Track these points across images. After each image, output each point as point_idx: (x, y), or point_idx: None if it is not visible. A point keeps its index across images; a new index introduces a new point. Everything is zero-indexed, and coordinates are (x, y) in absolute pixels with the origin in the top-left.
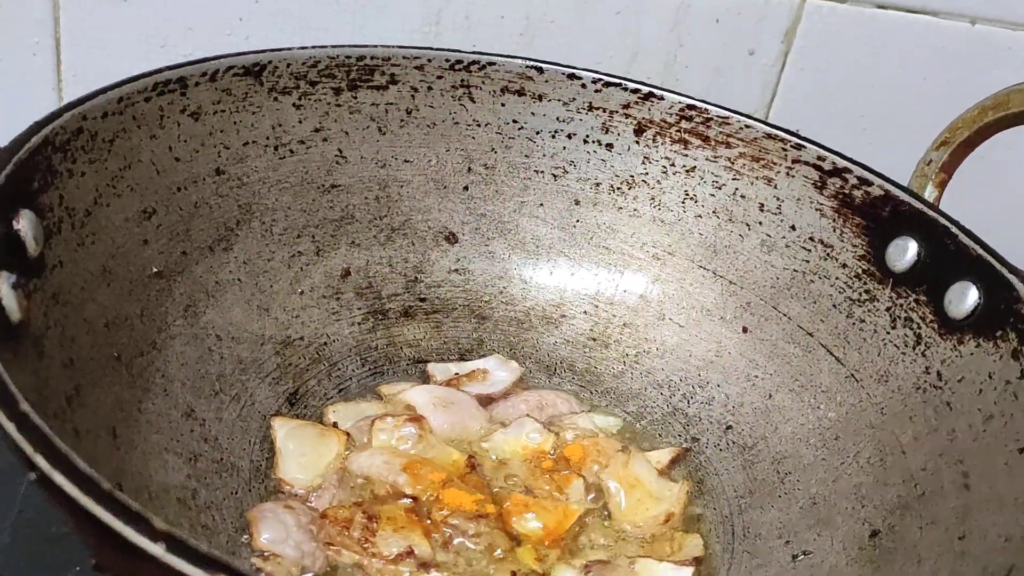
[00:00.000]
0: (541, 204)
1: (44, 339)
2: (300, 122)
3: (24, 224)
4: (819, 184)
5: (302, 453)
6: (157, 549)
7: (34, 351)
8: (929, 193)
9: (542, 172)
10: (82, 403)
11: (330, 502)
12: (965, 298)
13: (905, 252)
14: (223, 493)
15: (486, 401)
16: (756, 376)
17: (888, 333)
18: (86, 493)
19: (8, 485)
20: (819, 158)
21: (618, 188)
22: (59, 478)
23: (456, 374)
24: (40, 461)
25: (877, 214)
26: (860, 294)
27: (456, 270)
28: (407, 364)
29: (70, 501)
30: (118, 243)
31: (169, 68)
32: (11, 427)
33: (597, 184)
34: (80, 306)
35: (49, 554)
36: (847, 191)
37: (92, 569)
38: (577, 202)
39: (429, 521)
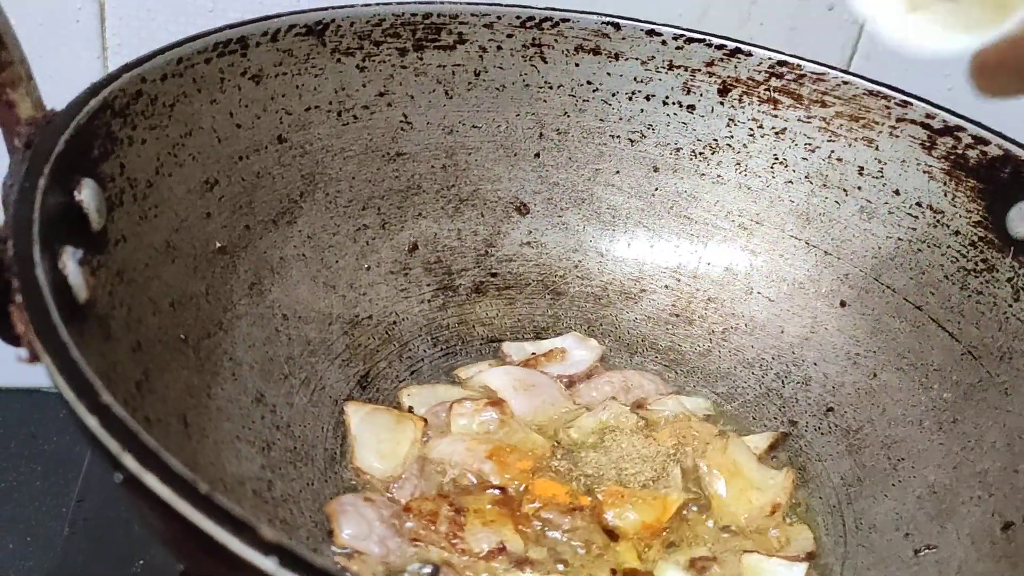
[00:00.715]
0: (617, 171)
1: (110, 320)
2: (364, 85)
3: (86, 194)
4: (927, 144)
5: (379, 440)
6: (269, 564)
7: (101, 333)
8: None
9: (618, 137)
10: (151, 389)
11: (412, 493)
12: None
13: None
14: (299, 484)
15: (567, 383)
16: (858, 354)
17: (1011, 306)
18: (183, 497)
19: (65, 473)
20: (928, 116)
21: (700, 153)
22: (151, 480)
23: (533, 353)
24: (128, 461)
25: (995, 176)
26: (976, 264)
27: (528, 243)
28: (480, 343)
29: (163, 506)
30: (181, 216)
31: (229, 27)
32: (94, 422)
33: (678, 149)
34: (145, 284)
35: (110, 547)
36: (960, 151)
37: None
38: (656, 169)
39: (519, 514)
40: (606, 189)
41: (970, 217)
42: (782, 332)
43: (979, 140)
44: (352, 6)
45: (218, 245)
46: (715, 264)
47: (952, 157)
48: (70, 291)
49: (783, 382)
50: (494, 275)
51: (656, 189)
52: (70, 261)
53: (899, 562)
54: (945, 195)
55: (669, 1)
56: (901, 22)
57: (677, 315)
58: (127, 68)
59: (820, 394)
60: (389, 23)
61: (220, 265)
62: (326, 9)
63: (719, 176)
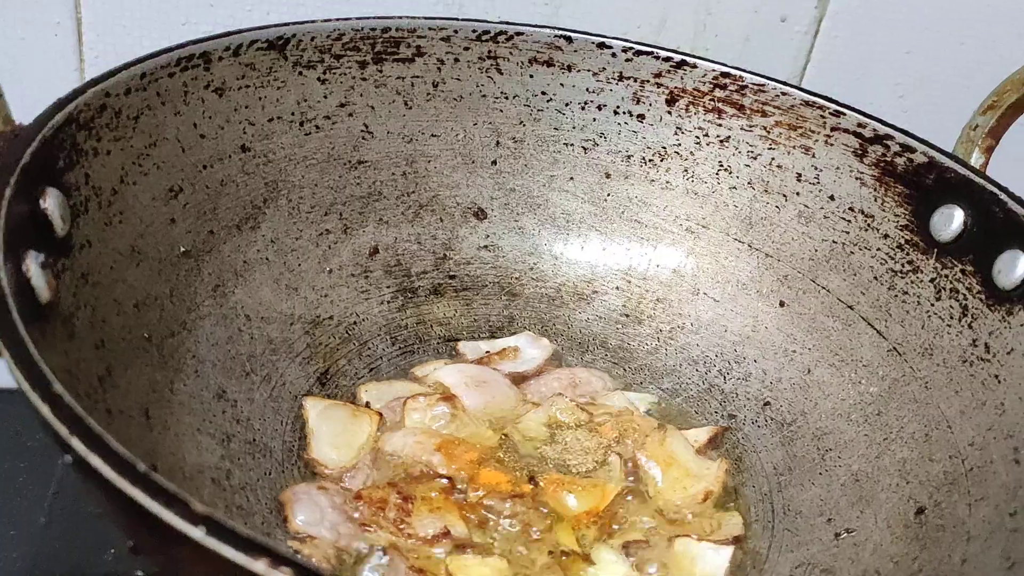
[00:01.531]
0: (571, 178)
1: (74, 320)
2: (325, 97)
3: (50, 202)
4: (859, 152)
5: (335, 433)
6: (197, 532)
7: (64, 332)
8: (976, 159)
9: (572, 145)
10: (114, 384)
11: (364, 483)
12: (1015, 267)
13: (951, 221)
14: (256, 474)
15: (518, 379)
16: (794, 351)
17: (932, 305)
18: (122, 475)
19: (43, 467)
20: (859, 125)
21: (650, 160)
22: (95, 460)
23: (487, 352)
24: (76, 443)
25: (921, 182)
26: (903, 265)
27: (485, 246)
28: (437, 343)
29: (106, 484)
30: (146, 222)
31: (192, 43)
32: (45, 409)
33: (628, 156)
34: (110, 286)
35: (85, 536)
36: (889, 159)
37: (129, 552)
38: (608, 175)
39: (464, 501)
40: (560, 195)
41: (897, 221)
42: (725, 331)
43: (906, 148)
44: (313, 22)
45: (182, 249)
46: (664, 266)
47: (882, 164)
48: (32, 292)
49: (725, 378)
50: (452, 277)
51: (608, 195)
52: (33, 264)
53: (820, 544)
54: (875, 200)
55: (628, 13)
56: None
57: (627, 315)
58: (92, 83)
59: (758, 389)
60: (349, 37)
61: (184, 268)
62: (287, 25)
63: (668, 182)
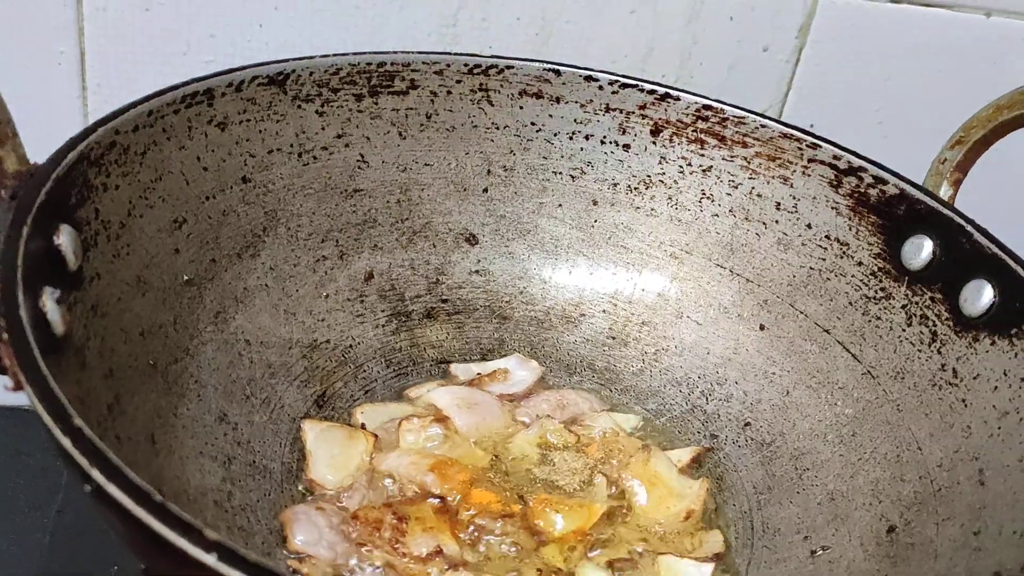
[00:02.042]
0: (559, 205)
1: (85, 350)
2: (323, 129)
3: (64, 239)
4: (835, 183)
5: (332, 454)
6: (209, 558)
7: (76, 362)
8: (944, 191)
9: (560, 173)
10: (122, 411)
11: (360, 502)
12: (980, 296)
13: (920, 250)
14: (257, 495)
15: (508, 401)
16: (773, 373)
17: (904, 330)
18: (140, 504)
19: (43, 484)
20: (835, 157)
21: (635, 188)
22: (114, 490)
23: (478, 374)
24: (96, 475)
25: (892, 212)
26: (876, 292)
27: (477, 271)
28: (430, 365)
29: (124, 512)
30: (151, 253)
31: (196, 80)
32: (67, 442)
33: (615, 184)
34: (117, 316)
35: (87, 554)
36: (863, 190)
37: (141, 574)
38: (595, 202)
39: (456, 520)
40: (549, 221)
41: (871, 249)
42: (708, 353)
43: (879, 180)
44: (311, 57)
45: (186, 278)
46: (649, 290)
47: (856, 195)
48: (49, 327)
49: (707, 399)
50: (444, 301)
51: (595, 221)
52: (49, 300)
53: (797, 562)
54: (850, 229)
55: (615, 42)
56: None
57: (613, 338)
58: (102, 122)
59: (739, 410)
60: (346, 72)
61: (187, 296)
62: (287, 60)
63: (652, 209)
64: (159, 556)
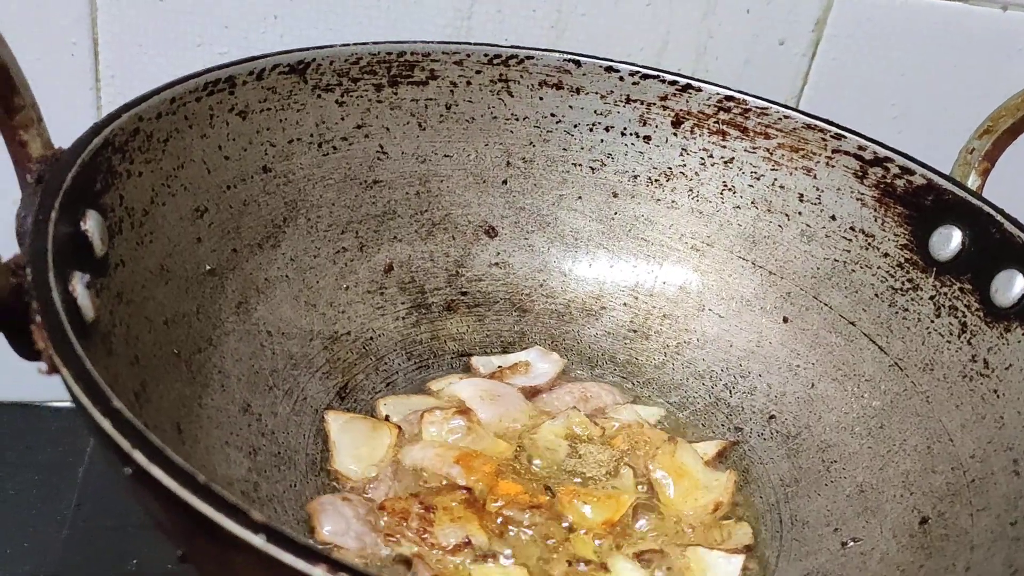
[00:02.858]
0: (579, 197)
1: (112, 337)
2: (343, 119)
3: (91, 224)
4: (860, 174)
5: (356, 446)
6: (257, 540)
7: (103, 349)
8: (972, 182)
9: (580, 165)
10: (148, 399)
11: (386, 494)
12: (1012, 286)
13: (949, 241)
14: (283, 486)
15: (531, 393)
16: (798, 366)
17: (932, 322)
18: (184, 486)
19: (56, 480)
20: (860, 148)
21: (656, 180)
22: (157, 472)
23: (499, 367)
24: (138, 456)
25: (920, 203)
26: (903, 283)
27: (496, 263)
28: (451, 358)
29: (167, 494)
30: (174, 241)
31: (218, 68)
32: (106, 423)
33: (635, 176)
34: (142, 304)
35: (107, 546)
36: (889, 180)
37: (178, 560)
38: (615, 194)
39: (484, 512)
40: (569, 213)
41: (897, 240)
42: (731, 346)
43: (905, 170)
44: (332, 46)
45: (208, 267)
46: (670, 283)
47: (882, 186)
48: (79, 312)
49: (730, 392)
50: (464, 294)
51: (615, 213)
52: (79, 285)
53: (828, 554)
54: (875, 220)
55: (631, 36)
56: None
57: (635, 331)
58: (126, 108)
59: (764, 403)
60: (366, 61)
61: (210, 286)
62: (307, 49)
63: (673, 201)
64: (203, 539)
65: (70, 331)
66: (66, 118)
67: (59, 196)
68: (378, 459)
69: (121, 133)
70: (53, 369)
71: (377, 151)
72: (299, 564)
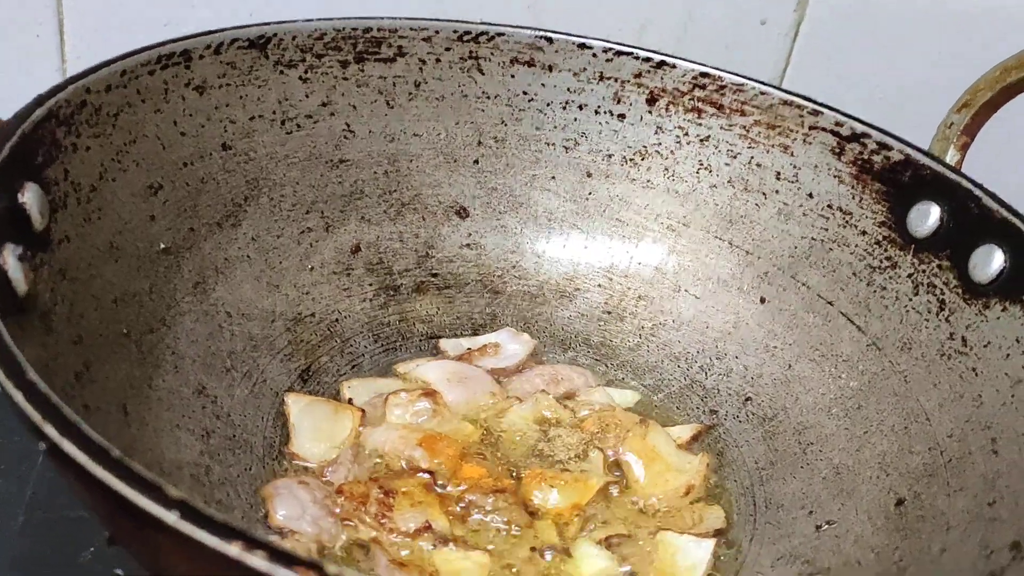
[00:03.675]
0: (553, 177)
1: (52, 315)
2: (307, 96)
3: (29, 197)
4: (837, 150)
5: (316, 429)
6: (171, 517)
7: (42, 326)
8: (951, 157)
9: (553, 144)
10: (91, 379)
11: (345, 477)
12: (990, 262)
13: (927, 217)
14: (237, 470)
15: (500, 375)
16: (775, 347)
17: (911, 300)
18: (96, 461)
19: (20, 467)
20: (837, 124)
21: (631, 159)
22: (69, 447)
23: (468, 349)
24: (49, 430)
25: (897, 179)
26: (881, 261)
27: (468, 244)
28: (420, 340)
29: (81, 471)
30: (125, 219)
31: (173, 41)
32: (19, 396)
33: (609, 155)
34: (88, 282)
35: (62, 536)
36: (866, 156)
37: (107, 544)
38: (589, 174)
39: (446, 496)
40: (542, 194)
41: (875, 218)
42: (707, 327)
43: (883, 146)
44: (294, 21)
45: (162, 246)
46: (645, 264)
47: (859, 162)
48: (10, 284)
49: (706, 374)
50: (435, 275)
51: (590, 193)
52: (10, 256)
53: (802, 536)
54: (853, 197)
55: (609, 17)
56: None
57: (609, 312)
58: (72, 80)
59: (740, 385)
60: (330, 37)
61: (164, 265)
62: (268, 24)
63: (648, 181)
64: (121, 518)
65: None
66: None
67: None
68: (339, 442)
69: (67, 105)
70: None
71: (343, 129)
72: (213, 542)
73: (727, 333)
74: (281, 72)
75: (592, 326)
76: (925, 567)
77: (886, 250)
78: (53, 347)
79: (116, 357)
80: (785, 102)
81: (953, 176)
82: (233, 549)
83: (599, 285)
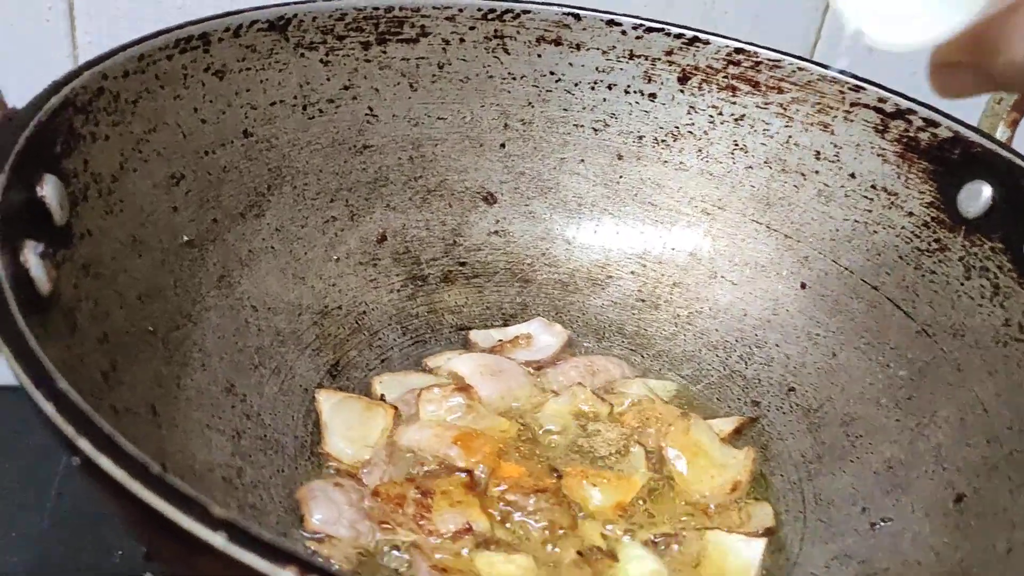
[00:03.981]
0: (582, 160)
1: (76, 313)
2: (328, 79)
3: (48, 190)
4: (880, 128)
5: (349, 427)
6: (218, 539)
7: (66, 326)
8: (1001, 133)
9: (582, 126)
10: (119, 380)
11: (380, 478)
12: None
13: (979, 197)
14: (269, 471)
15: (534, 368)
16: (818, 334)
17: (962, 284)
18: (135, 477)
19: (45, 467)
20: (880, 100)
21: (662, 140)
22: (105, 462)
23: (499, 340)
24: (84, 444)
25: (946, 157)
26: (929, 243)
27: (496, 232)
28: (449, 332)
29: (118, 488)
30: (147, 211)
31: (191, 23)
32: (50, 408)
33: (640, 137)
34: (112, 277)
35: (89, 539)
36: (912, 134)
37: (143, 560)
38: (620, 156)
39: (485, 496)
40: (571, 177)
41: (923, 198)
42: (745, 315)
43: (930, 123)
44: (314, 1)
45: (186, 238)
46: (679, 249)
47: (904, 140)
48: (32, 284)
49: (746, 363)
50: (463, 264)
51: (620, 177)
52: (31, 255)
53: (856, 535)
54: (898, 177)
55: None
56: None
57: (643, 300)
58: (88, 65)
59: (782, 374)
60: (352, 17)
61: (188, 258)
62: (288, 4)
63: (681, 163)
64: (160, 538)
65: (14, 305)
66: (42, 88)
67: (11, 159)
68: (372, 441)
69: (84, 92)
70: None
71: (366, 114)
72: (265, 567)
73: (767, 320)
74: (302, 55)
75: (626, 315)
76: (991, 568)
77: (935, 232)
78: (78, 347)
79: (143, 356)
80: (825, 78)
81: (1006, 153)
82: (287, 574)
83: (632, 272)
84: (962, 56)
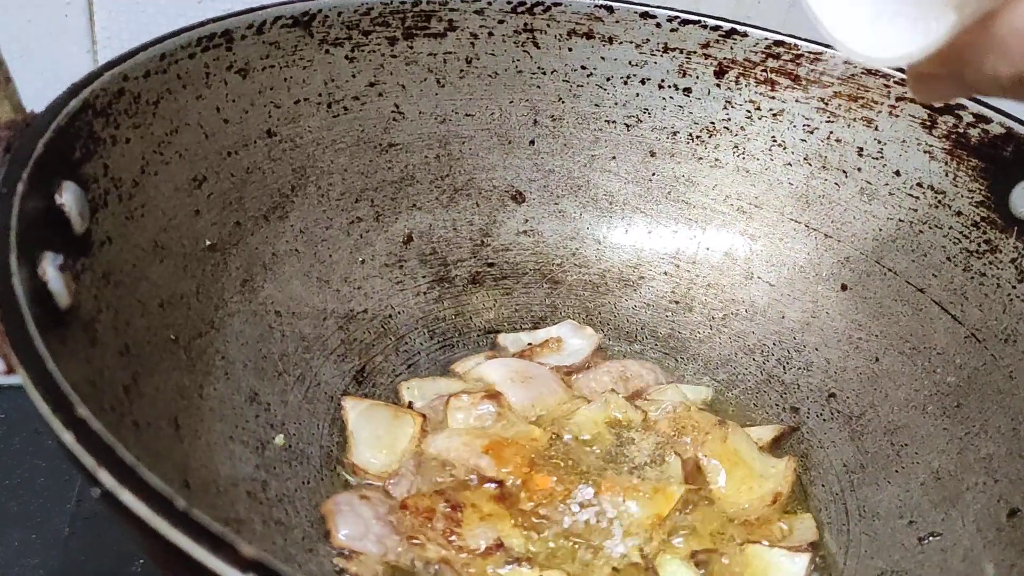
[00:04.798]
0: (614, 157)
1: (96, 324)
2: (354, 76)
3: (67, 197)
4: (928, 124)
5: (376, 436)
6: None
7: (86, 338)
8: None
9: (614, 122)
10: (140, 393)
11: (408, 490)
12: None
13: None
14: (294, 483)
15: (565, 373)
16: (859, 338)
17: (1014, 287)
18: (159, 514)
19: (64, 473)
20: None
21: (697, 136)
22: (127, 496)
23: (529, 344)
24: (104, 476)
25: (998, 155)
26: (979, 244)
27: (525, 231)
28: (477, 335)
29: (140, 523)
30: (169, 215)
31: (213, 21)
32: (68, 437)
33: (674, 133)
34: (133, 285)
35: (110, 546)
36: (961, 130)
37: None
38: (653, 153)
39: (517, 509)
40: (602, 175)
41: (972, 197)
42: (783, 317)
43: (981, 118)
44: None
45: (208, 243)
46: (714, 249)
47: (953, 136)
48: (51, 298)
49: (784, 368)
50: (491, 265)
51: (653, 174)
52: (50, 267)
53: (903, 550)
54: (946, 175)
55: None
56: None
57: (676, 302)
58: (109, 66)
59: (822, 380)
60: (377, 12)
61: (211, 263)
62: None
63: (717, 160)
64: (184, 573)
65: (31, 324)
66: (62, 84)
67: (29, 166)
68: (400, 450)
69: (104, 94)
70: (11, 369)
71: (392, 111)
72: None
73: (806, 323)
74: (327, 51)
75: (659, 317)
76: None
77: (985, 232)
78: (99, 361)
79: (165, 366)
80: (869, 71)
81: None
82: None
83: (665, 273)
84: (935, 68)
